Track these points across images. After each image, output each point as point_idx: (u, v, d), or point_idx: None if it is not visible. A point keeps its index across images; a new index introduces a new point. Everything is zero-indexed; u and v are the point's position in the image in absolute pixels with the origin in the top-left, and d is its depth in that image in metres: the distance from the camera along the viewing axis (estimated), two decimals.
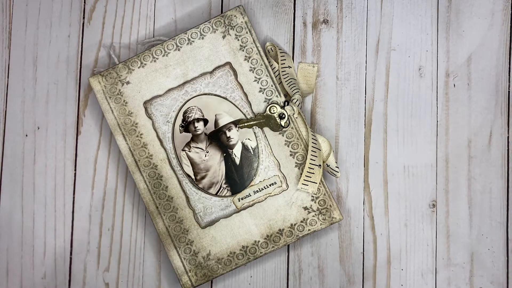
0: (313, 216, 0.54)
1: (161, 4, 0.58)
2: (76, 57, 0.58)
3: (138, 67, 0.55)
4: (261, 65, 0.55)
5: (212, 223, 0.54)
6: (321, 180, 0.54)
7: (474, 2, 0.58)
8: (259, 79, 0.55)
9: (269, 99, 0.55)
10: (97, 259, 0.56)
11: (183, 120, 0.55)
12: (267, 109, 0.54)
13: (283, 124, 0.54)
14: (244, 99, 0.55)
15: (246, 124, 0.54)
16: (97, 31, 0.58)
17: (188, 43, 0.55)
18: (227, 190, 0.54)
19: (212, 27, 0.55)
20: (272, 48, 0.56)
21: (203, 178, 0.54)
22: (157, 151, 0.55)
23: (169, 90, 0.55)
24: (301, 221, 0.54)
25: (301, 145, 0.54)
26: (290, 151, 0.54)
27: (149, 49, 0.55)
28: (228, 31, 0.55)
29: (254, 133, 0.54)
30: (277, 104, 0.54)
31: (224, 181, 0.54)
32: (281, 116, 0.54)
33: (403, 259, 0.56)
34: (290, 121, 0.54)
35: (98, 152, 0.57)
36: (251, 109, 0.55)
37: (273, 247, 0.54)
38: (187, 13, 0.58)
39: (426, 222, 0.56)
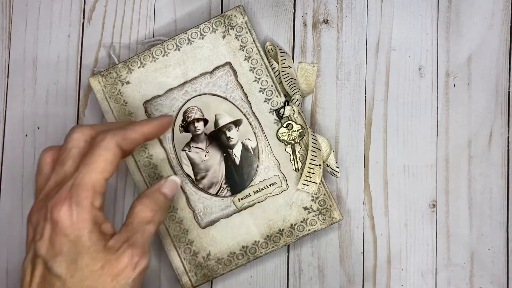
0: (313, 216, 0.54)
1: (161, 4, 0.58)
2: (76, 57, 0.58)
3: (138, 67, 0.55)
4: (261, 65, 0.55)
5: (212, 223, 0.54)
6: (321, 180, 0.54)
7: (474, 2, 0.58)
8: (259, 79, 0.55)
9: (269, 99, 0.55)
10: None
11: (183, 120, 0.55)
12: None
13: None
14: (244, 99, 0.55)
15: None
16: (97, 31, 0.58)
17: (188, 43, 0.55)
18: (227, 190, 0.54)
19: (212, 27, 0.55)
20: (272, 48, 0.56)
21: (203, 178, 0.54)
22: (157, 151, 0.55)
23: (169, 90, 0.55)
24: (301, 221, 0.54)
25: (301, 145, 0.54)
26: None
27: (149, 49, 0.55)
28: (228, 31, 0.55)
29: (254, 133, 0.55)
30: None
31: (224, 181, 0.54)
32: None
33: (403, 259, 0.56)
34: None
35: None
36: (251, 109, 0.55)
37: (273, 247, 0.54)
38: (187, 13, 0.58)
39: (426, 222, 0.56)
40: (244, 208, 0.54)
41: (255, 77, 0.55)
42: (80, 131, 0.44)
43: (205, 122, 0.55)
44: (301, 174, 0.54)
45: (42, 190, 0.44)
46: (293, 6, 0.58)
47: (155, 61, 0.55)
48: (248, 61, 0.55)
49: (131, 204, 0.45)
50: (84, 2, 0.59)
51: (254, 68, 0.55)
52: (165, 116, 0.48)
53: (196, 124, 0.55)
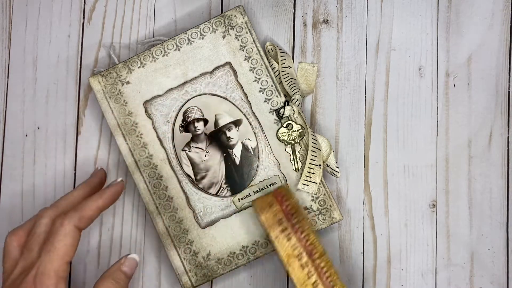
0: (313, 216, 0.54)
1: (161, 4, 0.58)
2: (76, 57, 0.58)
3: (138, 67, 0.55)
4: (261, 65, 0.55)
5: (212, 223, 0.54)
6: (321, 180, 0.54)
7: (474, 2, 0.58)
8: (259, 79, 0.55)
9: (269, 99, 0.55)
10: (97, 259, 0.56)
11: (183, 120, 0.55)
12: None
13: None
14: (244, 99, 0.55)
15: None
16: (97, 31, 0.58)
17: (188, 43, 0.55)
18: (227, 190, 0.54)
19: (212, 27, 0.55)
20: (272, 48, 0.56)
21: (203, 178, 0.54)
22: (157, 151, 0.55)
23: (169, 90, 0.55)
24: None
25: (301, 145, 0.54)
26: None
27: (149, 49, 0.55)
28: (228, 31, 0.55)
29: (254, 133, 0.55)
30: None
31: (224, 181, 0.54)
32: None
33: (403, 259, 0.56)
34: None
35: (98, 152, 0.57)
36: (251, 109, 0.55)
37: (273, 247, 0.54)
38: (187, 13, 0.58)
39: (426, 222, 0.56)
40: (244, 208, 0.54)
41: (255, 77, 0.55)
42: (48, 216, 0.47)
43: (205, 122, 0.55)
44: (301, 174, 0.54)
45: (10, 275, 0.45)
46: (293, 6, 0.58)
47: (155, 61, 0.55)
48: (248, 61, 0.55)
49: (94, 284, 0.47)
50: (84, 2, 0.59)
51: (254, 68, 0.55)
52: (116, 184, 0.50)
53: (196, 124, 0.55)
